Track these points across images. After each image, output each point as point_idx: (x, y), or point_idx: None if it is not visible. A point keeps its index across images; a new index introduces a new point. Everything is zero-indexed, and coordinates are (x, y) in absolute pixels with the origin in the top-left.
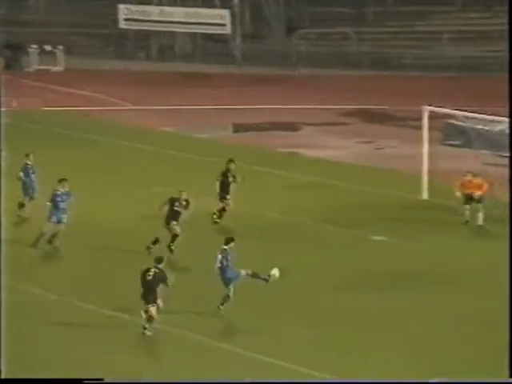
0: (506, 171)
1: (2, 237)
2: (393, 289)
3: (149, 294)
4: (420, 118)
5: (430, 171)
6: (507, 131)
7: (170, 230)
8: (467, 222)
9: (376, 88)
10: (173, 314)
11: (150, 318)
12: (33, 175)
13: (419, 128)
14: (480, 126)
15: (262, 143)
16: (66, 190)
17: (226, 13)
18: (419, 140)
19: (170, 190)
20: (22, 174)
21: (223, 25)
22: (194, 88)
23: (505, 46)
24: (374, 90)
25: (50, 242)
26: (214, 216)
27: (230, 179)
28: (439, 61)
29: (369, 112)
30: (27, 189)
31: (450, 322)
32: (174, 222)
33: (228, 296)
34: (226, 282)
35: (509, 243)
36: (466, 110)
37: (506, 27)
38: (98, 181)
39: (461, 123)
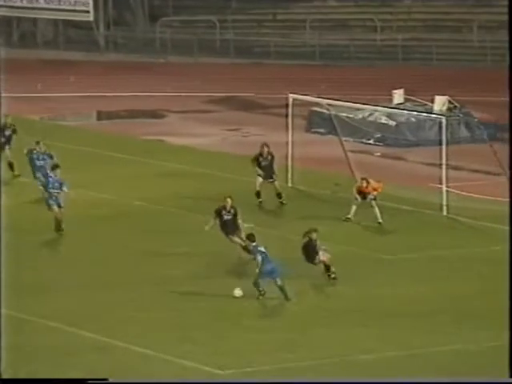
0: (367, 158)
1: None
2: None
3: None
4: (285, 106)
5: (295, 159)
6: (369, 119)
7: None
8: (348, 219)
9: (241, 76)
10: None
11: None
12: (41, 162)
13: (285, 115)
14: (343, 114)
15: (126, 131)
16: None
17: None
18: (285, 127)
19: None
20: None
21: (86, 11)
22: (57, 75)
23: (365, 35)
24: (239, 78)
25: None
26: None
27: (267, 159)
28: (302, 49)
29: (234, 100)
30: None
31: (306, 307)
32: (235, 237)
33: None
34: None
35: (509, 243)
36: (329, 98)
37: (367, 16)
38: None
39: (325, 111)
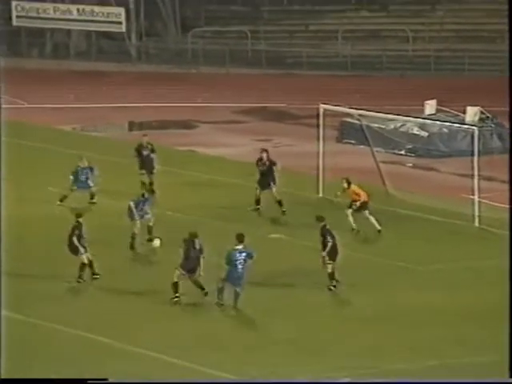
0: (399, 168)
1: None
2: (293, 285)
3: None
4: (316, 116)
5: (326, 169)
6: (401, 129)
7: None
8: (353, 229)
9: (272, 86)
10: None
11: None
12: (83, 176)
13: (316, 126)
14: (374, 125)
15: (158, 141)
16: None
17: (121, 10)
18: (316, 138)
19: (66, 189)
20: (71, 177)
21: (118, 23)
22: (90, 86)
23: (397, 45)
24: (271, 89)
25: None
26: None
27: (265, 164)
28: (334, 59)
29: (266, 110)
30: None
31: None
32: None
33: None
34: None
35: (509, 244)
36: (361, 109)
37: (400, 27)
38: None
39: (356, 121)
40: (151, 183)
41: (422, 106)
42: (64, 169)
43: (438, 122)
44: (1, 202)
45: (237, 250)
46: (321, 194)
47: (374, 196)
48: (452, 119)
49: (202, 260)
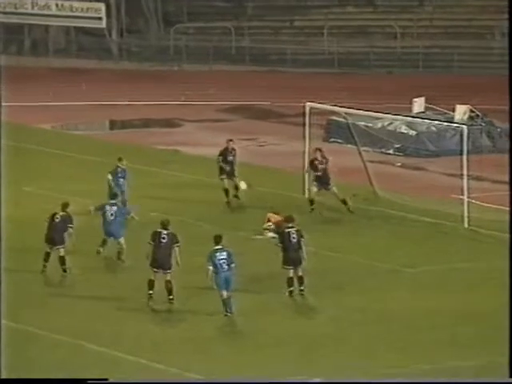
0: (387, 168)
1: None
2: (279, 288)
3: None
4: (302, 115)
5: None
6: (389, 128)
7: None
8: None
9: (257, 84)
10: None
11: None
12: (121, 179)
13: (302, 124)
14: (362, 123)
15: (140, 140)
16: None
17: (101, 6)
18: (302, 137)
19: (43, 189)
20: (110, 176)
21: (99, 18)
22: (69, 84)
23: (384, 42)
24: (255, 86)
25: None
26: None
27: (322, 166)
28: (320, 56)
29: (250, 108)
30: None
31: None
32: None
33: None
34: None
35: (509, 245)
36: (348, 107)
37: (387, 23)
38: None
39: (343, 120)
40: (237, 187)
41: (410, 103)
42: (42, 169)
43: (426, 121)
44: (1, 204)
45: (216, 250)
46: (307, 195)
47: (361, 196)
48: (441, 117)
49: (177, 250)
